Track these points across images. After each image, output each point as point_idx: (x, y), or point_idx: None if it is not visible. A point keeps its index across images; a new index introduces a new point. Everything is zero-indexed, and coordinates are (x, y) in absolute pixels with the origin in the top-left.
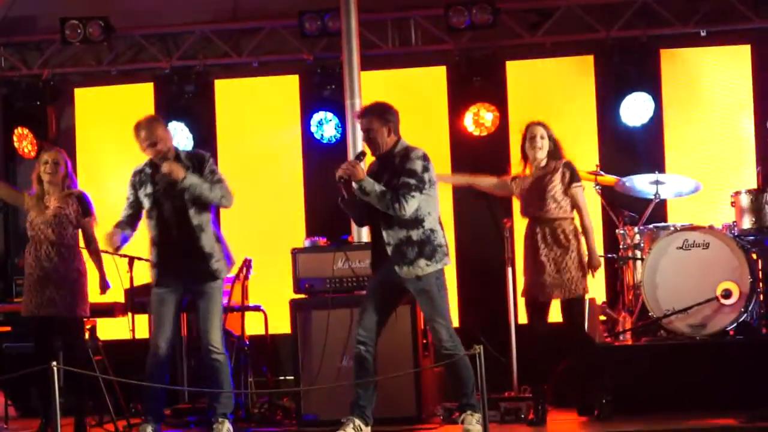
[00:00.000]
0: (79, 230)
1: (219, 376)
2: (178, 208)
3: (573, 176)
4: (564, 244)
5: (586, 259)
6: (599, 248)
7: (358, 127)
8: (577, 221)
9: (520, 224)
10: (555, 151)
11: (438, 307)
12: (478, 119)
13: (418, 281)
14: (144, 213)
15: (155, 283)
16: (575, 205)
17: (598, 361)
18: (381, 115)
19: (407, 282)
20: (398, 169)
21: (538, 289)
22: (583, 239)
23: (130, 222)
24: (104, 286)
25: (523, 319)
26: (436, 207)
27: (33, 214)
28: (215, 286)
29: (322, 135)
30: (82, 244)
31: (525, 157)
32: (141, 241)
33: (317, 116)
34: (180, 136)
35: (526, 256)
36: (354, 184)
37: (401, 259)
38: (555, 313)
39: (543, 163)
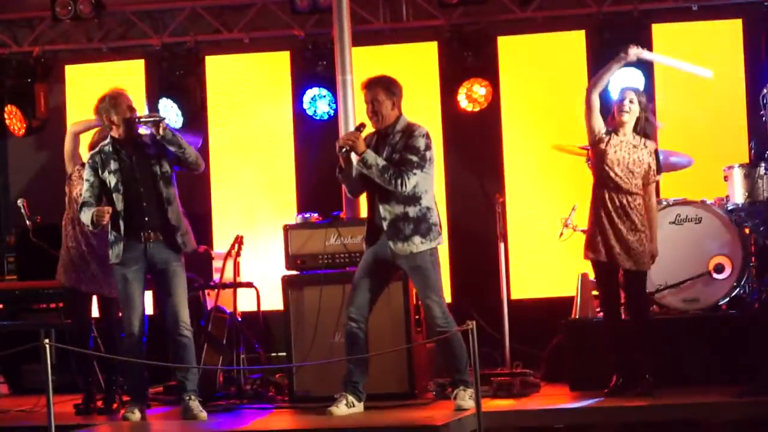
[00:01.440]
0: None
1: (188, 353)
2: (147, 181)
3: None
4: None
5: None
6: None
7: (350, 103)
8: None
9: (511, 199)
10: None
11: (432, 285)
12: (471, 94)
13: (412, 258)
14: (105, 191)
15: (120, 261)
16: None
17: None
18: (387, 87)
19: (400, 259)
20: (400, 144)
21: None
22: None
23: (97, 202)
24: None
25: (515, 294)
26: (433, 185)
27: (75, 192)
28: (180, 262)
29: (315, 111)
30: None
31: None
32: None
33: (310, 92)
34: (170, 113)
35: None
36: (355, 156)
37: (396, 235)
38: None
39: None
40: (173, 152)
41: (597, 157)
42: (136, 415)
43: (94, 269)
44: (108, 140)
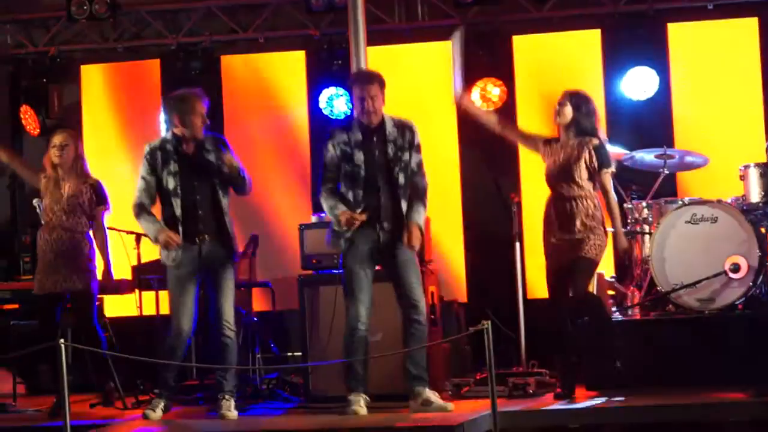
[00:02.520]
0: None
1: (229, 354)
2: (205, 189)
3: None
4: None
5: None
6: (606, 223)
7: None
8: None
9: (527, 199)
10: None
11: (421, 279)
12: (485, 94)
13: (411, 251)
14: (160, 190)
15: (176, 264)
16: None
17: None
18: (381, 82)
19: (401, 252)
20: (400, 141)
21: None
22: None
23: (152, 202)
24: (108, 279)
25: (531, 294)
26: None
27: (47, 200)
28: (232, 264)
29: (331, 110)
30: None
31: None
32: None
33: (327, 92)
34: None
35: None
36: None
37: (401, 230)
38: None
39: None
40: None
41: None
42: (157, 413)
43: (65, 272)
44: (170, 137)
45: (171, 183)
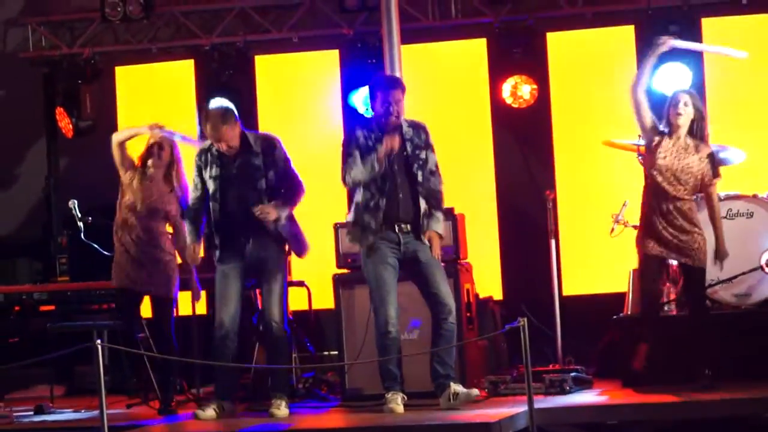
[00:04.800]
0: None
1: (278, 353)
2: (245, 197)
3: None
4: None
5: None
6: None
7: None
8: None
9: (562, 195)
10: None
11: (445, 276)
12: (516, 91)
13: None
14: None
15: (219, 259)
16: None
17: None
18: (404, 91)
19: (423, 252)
20: (416, 140)
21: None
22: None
23: (200, 206)
24: (195, 291)
25: (567, 291)
26: None
27: (130, 197)
28: (279, 263)
29: (367, 109)
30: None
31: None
32: None
33: (363, 90)
34: None
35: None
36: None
37: (420, 229)
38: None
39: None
40: (281, 167)
41: (647, 159)
42: (207, 413)
43: (147, 273)
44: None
45: (212, 186)
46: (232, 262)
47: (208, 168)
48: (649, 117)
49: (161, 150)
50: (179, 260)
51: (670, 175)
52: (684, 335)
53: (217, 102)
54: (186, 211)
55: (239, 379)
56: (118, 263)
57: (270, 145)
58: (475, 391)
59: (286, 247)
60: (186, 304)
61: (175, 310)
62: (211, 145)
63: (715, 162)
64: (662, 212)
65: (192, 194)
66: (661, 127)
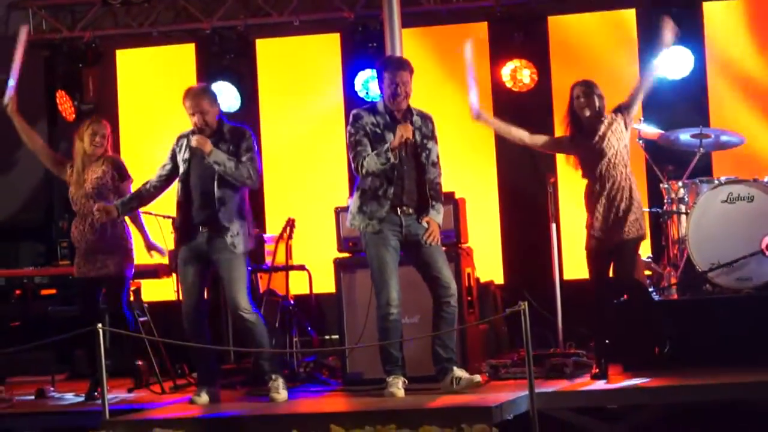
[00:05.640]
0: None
1: (256, 336)
2: (204, 179)
3: None
4: None
5: None
6: (644, 203)
7: None
8: None
9: (564, 180)
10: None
11: (446, 259)
12: (516, 75)
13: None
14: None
15: (177, 244)
16: None
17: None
18: (412, 72)
19: (425, 235)
20: (425, 129)
21: None
22: None
23: (158, 182)
24: (150, 247)
25: (568, 275)
26: None
27: (73, 189)
28: (231, 256)
29: (367, 93)
30: None
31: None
32: None
33: (363, 74)
34: (228, 96)
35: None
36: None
37: (423, 215)
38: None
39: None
40: (248, 157)
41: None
42: (203, 398)
43: (101, 258)
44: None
45: (182, 168)
46: (189, 250)
47: (182, 151)
48: (549, 142)
49: (105, 139)
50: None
51: (611, 156)
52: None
53: None
54: (145, 184)
55: (218, 364)
56: (78, 253)
57: (240, 135)
58: (478, 377)
59: (241, 239)
60: (168, 289)
61: (127, 288)
62: (189, 131)
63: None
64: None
65: (158, 171)
66: (569, 135)
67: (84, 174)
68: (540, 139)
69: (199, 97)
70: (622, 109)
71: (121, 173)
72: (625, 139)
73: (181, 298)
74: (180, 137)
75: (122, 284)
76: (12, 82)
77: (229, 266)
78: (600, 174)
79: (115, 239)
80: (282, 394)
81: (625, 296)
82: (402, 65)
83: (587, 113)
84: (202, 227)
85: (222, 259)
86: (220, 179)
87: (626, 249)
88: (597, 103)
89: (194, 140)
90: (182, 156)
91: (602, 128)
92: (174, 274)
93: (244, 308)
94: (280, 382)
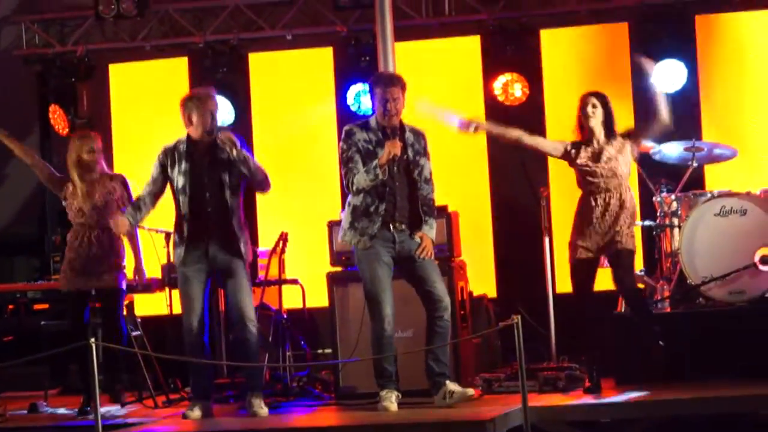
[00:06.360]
0: None
1: (252, 349)
2: (215, 188)
3: None
4: None
5: None
6: (637, 216)
7: None
8: None
9: (556, 193)
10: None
11: (440, 274)
12: (507, 88)
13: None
14: (172, 190)
15: (181, 261)
16: None
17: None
18: (405, 88)
19: (416, 250)
20: (417, 146)
21: None
22: None
23: (151, 200)
24: (139, 271)
25: (560, 288)
26: None
27: (79, 201)
28: (241, 264)
29: (359, 107)
30: None
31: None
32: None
33: (354, 88)
34: (221, 109)
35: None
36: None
37: (415, 230)
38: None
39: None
40: (245, 159)
41: (579, 172)
42: (196, 413)
43: (94, 269)
44: (184, 138)
45: (180, 181)
46: (194, 264)
47: (177, 164)
48: (548, 144)
49: (100, 152)
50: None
51: (609, 173)
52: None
53: None
54: (135, 198)
55: (213, 379)
56: (71, 266)
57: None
58: (471, 391)
59: (247, 248)
60: (160, 304)
61: (122, 302)
62: (178, 143)
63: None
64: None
65: (147, 188)
66: (575, 141)
67: (89, 187)
68: (540, 141)
69: (210, 99)
70: (632, 137)
71: (128, 193)
72: (630, 163)
73: (180, 311)
74: (168, 150)
75: (119, 297)
76: None
77: (240, 275)
78: (600, 188)
79: (114, 252)
80: (264, 410)
81: (625, 307)
82: (393, 81)
83: (592, 123)
84: (213, 237)
85: (232, 268)
86: (230, 187)
87: (625, 257)
88: (604, 116)
89: (222, 135)
90: (179, 168)
91: (612, 151)
92: (167, 289)
93: (251, 318)
94: (261, 399)
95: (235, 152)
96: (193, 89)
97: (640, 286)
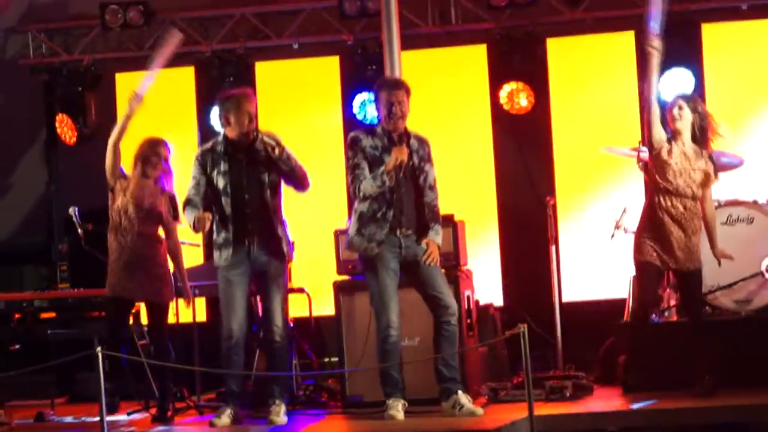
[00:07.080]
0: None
1: (278, 359)
2: (254, 187)
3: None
4: None
5: None
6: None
7: None
8: None
9: (563, 202)
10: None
11: (446, 279)
12: (513, 97)
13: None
14: (213, 192)
15: (228, 264)
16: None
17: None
18: (409, 93)
19: (423, 255)
20: (421, 152)
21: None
22: None
23: (200, 202)
24: (185, 290)
25: (567, 297)
26: None
27: (124, 200)
28: (281, 268)
29: (364, 116)
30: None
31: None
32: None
33: (360, 97)
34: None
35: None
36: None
37: (421, 236)
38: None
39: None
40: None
41: (658, 166)
42: (223, 420)
43: (140, 279)
44: (221, 139)
45: (221, 182)
46: (237, 268)
47: (216, 166)
48: (661, 129)
49: (154, 157)
50: (172, 266)
51: (686, 176)
52: (683, 341)
53: None
54: (184, 201)
55: (246, 386)
56: (113, 271)
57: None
58: (480, 410)
59: (289, 248)
60: (187, 312)
61: (169, 316)
62: (215, 144)
63: (714, 162)
64: (678, 213)
65: (188, 190)
66: (668, 136)
67: (139, 192)
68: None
69: (250, 98)
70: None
71: (175, 212)
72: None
73: (222, 317)
74: (206, 151)
75: (167, 312)
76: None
77: (277, 280)
78: (681, 193)
79: (157, 261)
80: (282, 419)
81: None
82: (398, 85)
83: (678, 125)
84: (255, 239)
85: (271, 271)
86: (270, 188)
87: (696, 277)
88: (690, 118)
89: (266, 136)
90: (219, 169)
91: (704, 163)
92: (174, 298)
93: (278, 325)
94: (283, 408)
95: (277, 151)
96: (230, 89)
97: None
